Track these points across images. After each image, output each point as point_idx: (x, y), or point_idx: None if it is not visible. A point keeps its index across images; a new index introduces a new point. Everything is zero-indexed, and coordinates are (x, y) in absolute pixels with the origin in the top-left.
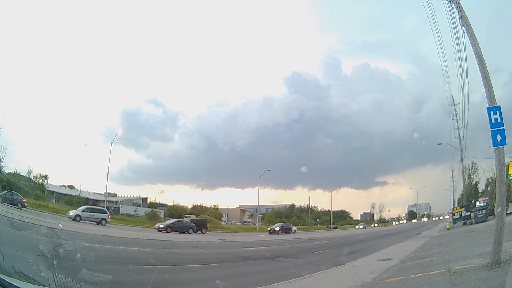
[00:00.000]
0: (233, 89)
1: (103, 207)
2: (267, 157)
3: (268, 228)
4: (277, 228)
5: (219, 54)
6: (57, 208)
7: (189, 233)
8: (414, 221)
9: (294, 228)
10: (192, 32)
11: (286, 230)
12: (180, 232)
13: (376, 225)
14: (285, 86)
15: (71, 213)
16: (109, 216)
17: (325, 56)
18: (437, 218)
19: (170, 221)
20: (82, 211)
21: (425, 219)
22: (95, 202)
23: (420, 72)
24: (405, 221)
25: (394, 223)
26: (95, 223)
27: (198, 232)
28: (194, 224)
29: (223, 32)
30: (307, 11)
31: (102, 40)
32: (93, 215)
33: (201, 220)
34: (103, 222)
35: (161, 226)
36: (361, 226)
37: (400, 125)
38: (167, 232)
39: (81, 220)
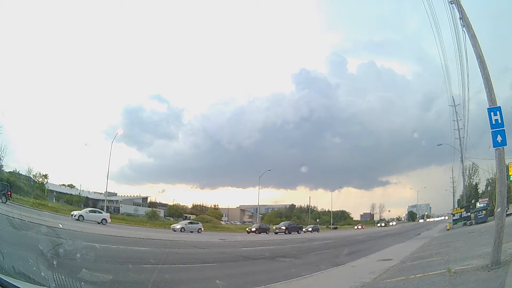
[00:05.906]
0: (239, 86)
1: (103, 206)
2: (272, 156)
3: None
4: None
5: (225, 51)
6: (57, 207)
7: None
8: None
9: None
10: (198, 28)
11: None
12: None
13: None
14: (293, 83)
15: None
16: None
17: (331, 54)
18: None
19: None
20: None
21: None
22: (96, 201)
23: (425, 72)
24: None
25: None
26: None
27: None
28: None
29: (229, 28)
30: (313, 9)
31: (104, 35)
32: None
33: None
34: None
35: None
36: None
37: (406, 125)
38: None
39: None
